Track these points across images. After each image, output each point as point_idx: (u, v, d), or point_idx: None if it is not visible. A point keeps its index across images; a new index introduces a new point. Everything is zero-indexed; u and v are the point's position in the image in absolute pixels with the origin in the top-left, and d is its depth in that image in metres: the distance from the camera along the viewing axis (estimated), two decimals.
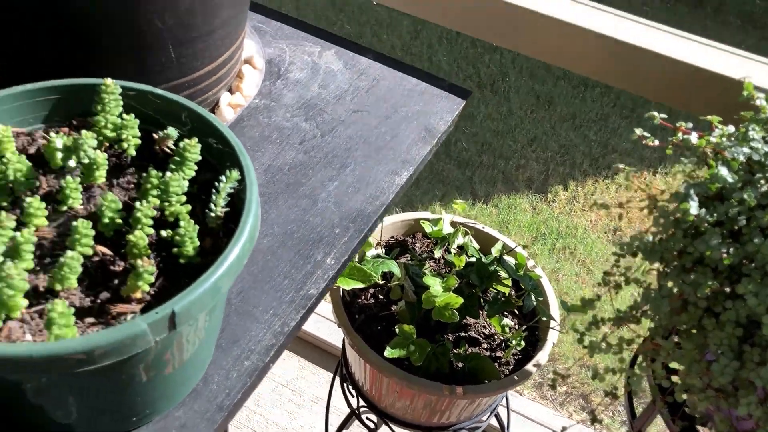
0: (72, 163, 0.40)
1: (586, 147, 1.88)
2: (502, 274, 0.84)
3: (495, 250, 0.88)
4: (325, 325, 1.28)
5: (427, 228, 0.90)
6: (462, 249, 0.89)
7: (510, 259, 0.87)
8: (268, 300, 0.51)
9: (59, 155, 0.40)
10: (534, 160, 1.83)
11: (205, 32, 0.52)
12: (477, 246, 0.89)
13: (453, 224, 0.91)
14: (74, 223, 0.37)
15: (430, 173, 1.77)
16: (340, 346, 0.93)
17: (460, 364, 0.79)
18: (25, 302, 0.35)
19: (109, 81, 0.41)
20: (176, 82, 0.53)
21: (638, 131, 0.56)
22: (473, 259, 0.86)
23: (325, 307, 1.30)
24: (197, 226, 0.38)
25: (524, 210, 1.69)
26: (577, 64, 0.75)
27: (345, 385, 0.92)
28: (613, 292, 0.54)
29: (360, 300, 0.85)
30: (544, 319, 0.82)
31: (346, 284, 0.79)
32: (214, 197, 0.39)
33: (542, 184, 1.77)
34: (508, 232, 1.63)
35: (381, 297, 0.85)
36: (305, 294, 0.52)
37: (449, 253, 0.89)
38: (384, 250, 0.90)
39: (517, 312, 0.86)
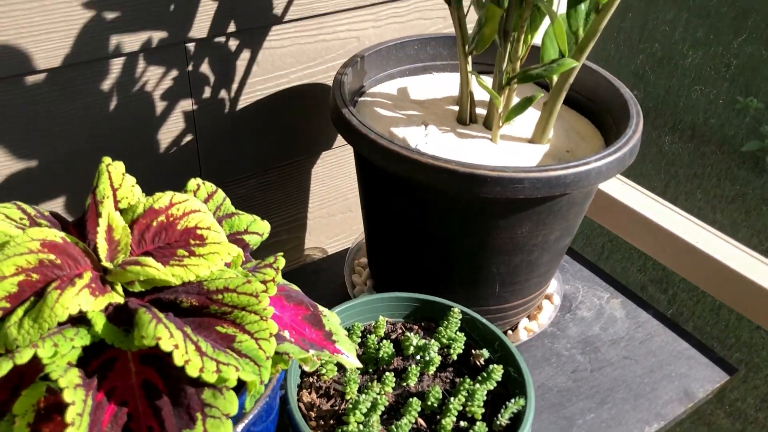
0: (418, 357, 0.61)
1: None
2: None
3: None
4: None
5: None
6: None
7: None
8: None
9: (411, 349, 0.61)
10: None
11: (524, 279, 0.71)
12: None
13: None
14: (410, 399, 0.56)
15: (695, 414, 1.74)
16: None
17: None
18: None
19: (456, 310, 0.62)
20: (493, 307, 0.73)
21: None
22: None
23: None
24: (486, 426, 0.55)
25: None
26: None
27: None
28: None
29: None
30: None
31: None
32: (502, 410, 0.56)
33: None
34: None
35: None
36: None
37: None
38: None
39: None
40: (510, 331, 0.79)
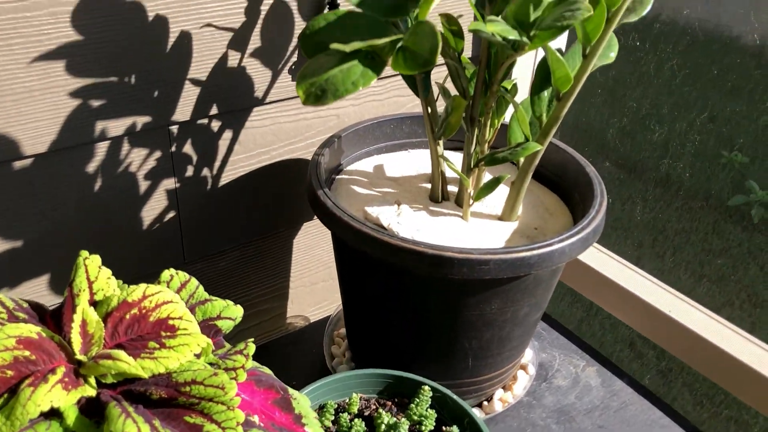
0: None
1: None
2: None
3: None
4: None
5: None
6: None
7: None
8: None
9: (383, 427, 0.62)
10: None
11: (497, 353, 0.73)
12: None
13: None
14: None
15: None
16: None
17: None
18: None
19: (427, 387, 0.63)
20: (467, 380, 0.74)
21: None
22: None
23: None
24: None
25: None
26: None
27: None
28: None
29: None
30: None
31: None
32: None
33: None
34: None
35: None
36: None
37: None
38: None
39: None
40: (486, 402, 0.80)
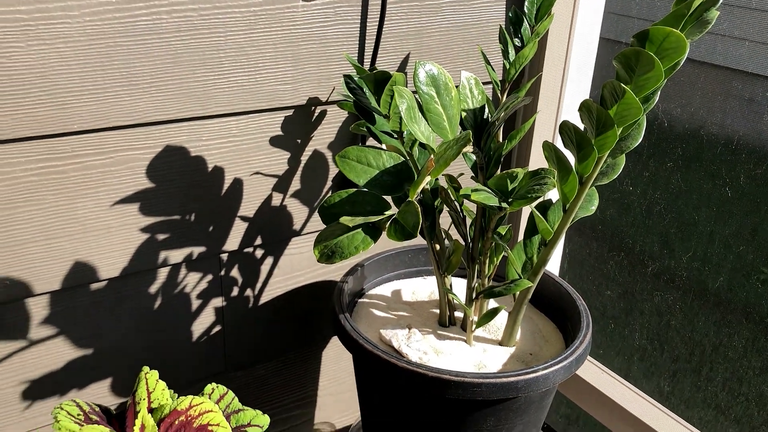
0: None
1: None
2: None
3: None
4: None
5: None
6: None
7: None
8: None
9: None
10: None
11: None
12: None
13: None
14: None
15: None
16: None
17: None
18: None
19: None
20: None
21: None
22: None
23: None
24: None
25: None
26: None
27: None
28: None
29: None
30: None
31: None
32: None
33: None
34: None
35: None
36: None
37: None
38: None
39: None
40: None
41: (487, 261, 0.81)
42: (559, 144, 1.01)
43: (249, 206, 0.90)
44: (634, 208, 1.18)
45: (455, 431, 0.77)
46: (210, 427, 0.60)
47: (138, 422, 0.57)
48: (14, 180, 0.73)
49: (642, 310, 1.15)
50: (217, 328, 0.94)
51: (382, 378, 0.78)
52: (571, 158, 0.71)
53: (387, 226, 0.63)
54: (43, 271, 0.78)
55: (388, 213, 0.63)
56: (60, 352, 0.83)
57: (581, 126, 0.68)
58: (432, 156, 0.62)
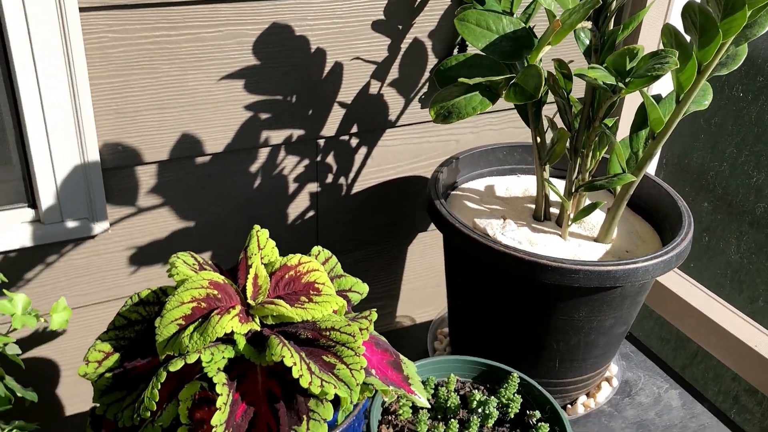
0: (480, 410, 0.73)
1: None
2: None
3: None
4: None
5: None
6: None
7: None
8: None
9: (475, 403, 0.73)
10: None
11: (582, 359, 0.82)
12: None
13: None
14: None
15: None
16: None
17: None
18: None
19: (515, 375, 0.74)
20: (553, 381, 0.84)
21: None
22: None
23: None
24: None
25: None
26: None
27: None
28: None
29: None
30: None
31: None
32: None
33: None
34: None
35: None
36: None
37: None
38: None
39: None
40: (569, 405, 0.89)
41: (590, 154, 0.79)
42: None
43: (347, 92, 0.90)
44: (698, 141, 1.12)
45: (545, 320, 0.78)
46: (317, 285, 0.62)
47: (252, 272, 0.59)
48: (132, 46, 0.75)
49: (741, 222, 1.11)
50: (311, 213, 0.96)
51: (477, 262, 0.79)
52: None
53: (506, 89, 0.62)
54: (154, 140, 0.81)
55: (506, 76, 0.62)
56: (165, 222, 0.87)
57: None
58: (558, 17, 0.60)
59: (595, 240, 0.84)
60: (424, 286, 1.12)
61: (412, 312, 1.14)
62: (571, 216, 0.82)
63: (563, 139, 0.74)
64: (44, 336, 0.86)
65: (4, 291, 0.68)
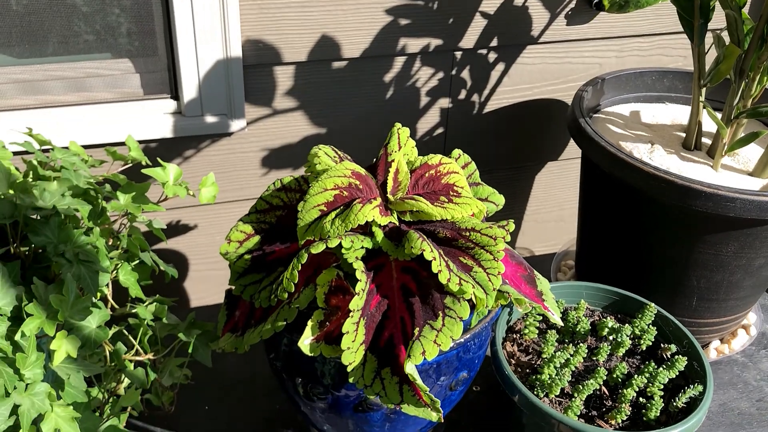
0: (611, 338, 0.70)
1: None
2: None
3: None
4: None
5: None
6: None
7: None
8: None
9: (606, 330, 0.70)
10: None
11: (722, 299, 0.77)
12: None
13: None
14: (598, 368, 0.65)
15: None
16: None
17: None
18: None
19: (652, 305, 0.70)
20: (688, 319, 0.79)
21: None
22: None
23: None
24: (663, 404, 0.63)
25: None
26: None
27: None
28: None
29: None
30: None
31: None
32: (680, 393, 0.63)
33: None
34: None
35: None
36: None
37: None
38: None
39: None
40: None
41: (758, 78, 0.72)
42: None
43: (491, 1, 0.86)
44: None
45: (689, 253, 0.73)
46: (456, 188, 0.60)
47: (393, 166, 0.58)
48: None
49: None
50: (440, 130, 0.94)
51: (620, 186, 0.74)
52: None
53: None
54: (294, 39, 0.80)
55: None
56: (298, 126, 0.87)
57: None
58: None
59: (750, 174, 0.77)
60: (546, 220, 1.08)
61: (531, 245, 1.10)
62: (726, 145, 0.76)
63: (731, 56, 0.68)
64: (178, 228, 0.89)
65: (158, 159, 0.70)
